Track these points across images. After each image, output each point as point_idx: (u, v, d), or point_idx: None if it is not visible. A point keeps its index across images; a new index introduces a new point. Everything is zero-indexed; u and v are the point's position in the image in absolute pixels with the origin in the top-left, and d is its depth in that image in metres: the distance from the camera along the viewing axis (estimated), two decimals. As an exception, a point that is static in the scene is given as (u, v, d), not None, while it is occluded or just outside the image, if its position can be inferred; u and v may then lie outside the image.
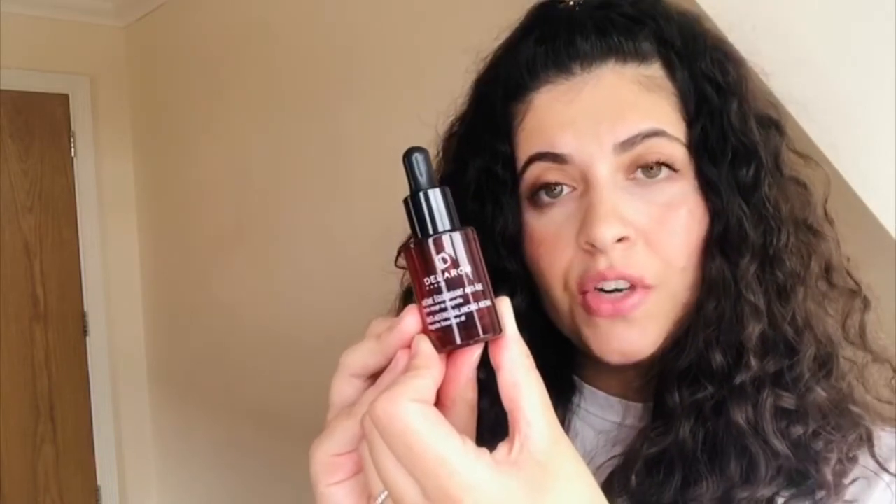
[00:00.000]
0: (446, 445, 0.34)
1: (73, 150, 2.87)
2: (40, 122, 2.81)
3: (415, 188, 0.39)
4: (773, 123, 0.53)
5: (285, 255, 2.20)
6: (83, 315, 2.90)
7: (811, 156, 0.57)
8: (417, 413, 0.34)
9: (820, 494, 0.47)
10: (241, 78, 2.31)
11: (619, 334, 0.50)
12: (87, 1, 2.80)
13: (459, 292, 0.37)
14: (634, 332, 0.50)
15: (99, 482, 2.92)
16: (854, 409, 0.50)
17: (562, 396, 0.58)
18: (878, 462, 0.48)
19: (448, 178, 0.58)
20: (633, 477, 0.49)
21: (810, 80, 0.63)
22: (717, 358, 0.49)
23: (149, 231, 2.98)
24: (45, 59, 2.76)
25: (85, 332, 2.90)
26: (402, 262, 0.58)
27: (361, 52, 1.83)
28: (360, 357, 0.40)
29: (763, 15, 0.60)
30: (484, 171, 0.55)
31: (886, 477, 0.48)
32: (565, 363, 0.59)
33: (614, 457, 0.52)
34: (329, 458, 0.40)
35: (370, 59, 1.81)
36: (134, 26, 2.92)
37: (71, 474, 2.86)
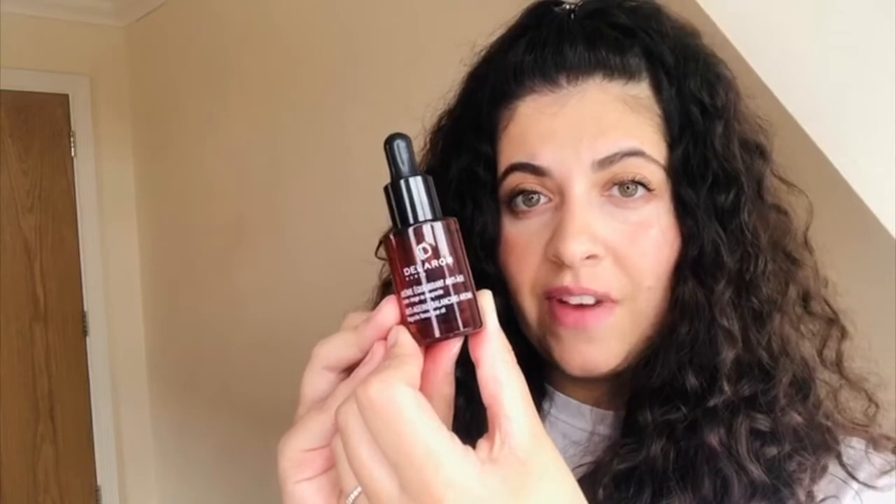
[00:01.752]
0: (437, 438, 0.33)
1: (73, 150, 2.87)
2: (40, 122, 2.81)
3: (396, 176, 0.38)
4: (759, 149, 0.53)
5: (285, 254, 2.20)
6: (83, 315, 2.90)
7: (802, 146, 0.56)
8: (412, 399, 0.33)
9: None
10: (242, 78, 2.31)
11: (581, 349, 0.50)
12: (87, 1, 2.81)
13: (440, 283, 0.36)
14: (595, 348, 0.50)
15: (99, 482, 2.92)
16: (827, 423, 0.50)
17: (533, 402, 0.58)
18: (846, 471, 0.48)
19: (431, 172, 0.58)
20: (601, 490, 0.49)
21: (810, 80, 0.63)
22: (691, 380, 0.48)
23: (149, 231, 2.98)
24: (45, 59, 2.76)
25: (85, 332, 2.90)
26: (382, 252, 0.58)
27: (362, 52, 1.83)
28: (335, 349, 0.39)
29: (762, 16, 0.60)
30: (466, 170, 0.55)
31: (855, 485, 0.48)
32: (537, 370, 0.58)
33: (583, 465, 0.52)
34: (299, 453, 0.39)
35: (370, 58, 1.81)
36: (134, 26, 2.92)
37: (71, 474, 2.87)
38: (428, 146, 0.60)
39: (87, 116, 2.89)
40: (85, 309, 2.90)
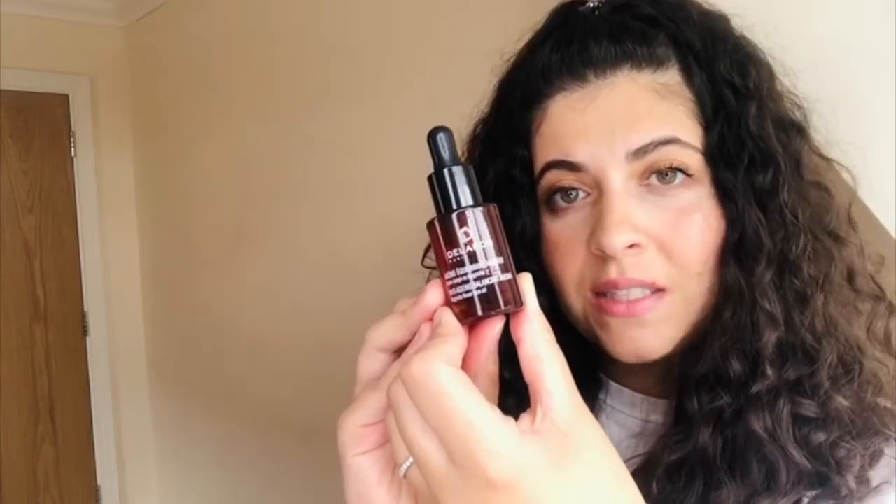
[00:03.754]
0: (477, 410, 0.34)
1: (73, 150, 2.87)
2: (40, 122, 2.80)
3: (439, 165, 0.40)
4: (795, 126, 0.53)
5: (285, 255, 2.20)
6: (83, 315, 2.90)
7: (836, 159, 0.56)
8: (450, 375, 0.34)
9: (845, 492, 0.46)
10: (241, 78, 2.31)
11: (631, 335, 0.51)
12: (87, 1, 2.80)
13: (481, 265, 0.38)
14: (647, 333, 0.50)
15: (99, 482, 2.92)
16: (886, 404, 0.49)
17: (589, 394, 0.57)
18: None
19: None
20: (655, 483, 0.49)
21: (809, 80, 0.63)
22: (735, 366, 0.49)
23: (149, 231, 2.98)
24: (45, 59, 2.76)
25: (85, 332, 2.90)
26: (429, 262, 0.59)
27: (362, 52, 1.83)
28: (385, 332, 0.41)
29: (758, 15, 0.59)
30: (503, 174, 0.56)
31: None
32: (591, 362, 0.59)
33: (636, 457, 0.52)
34: (356, 428, 0.41)
35: (370, 59, 1.81)
36: (134, 26, 2.92)
37: (71, 474, 2.86)
38: (465, 155, 0.61)
39: (87, 116, 2.89)
40: (85, 309, 2.90)
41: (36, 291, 2.80)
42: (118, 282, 2.97)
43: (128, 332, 2.99)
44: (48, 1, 2.70)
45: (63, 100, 2.85)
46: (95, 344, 2.91)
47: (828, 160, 0.55)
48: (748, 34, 0.55)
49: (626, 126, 0.50)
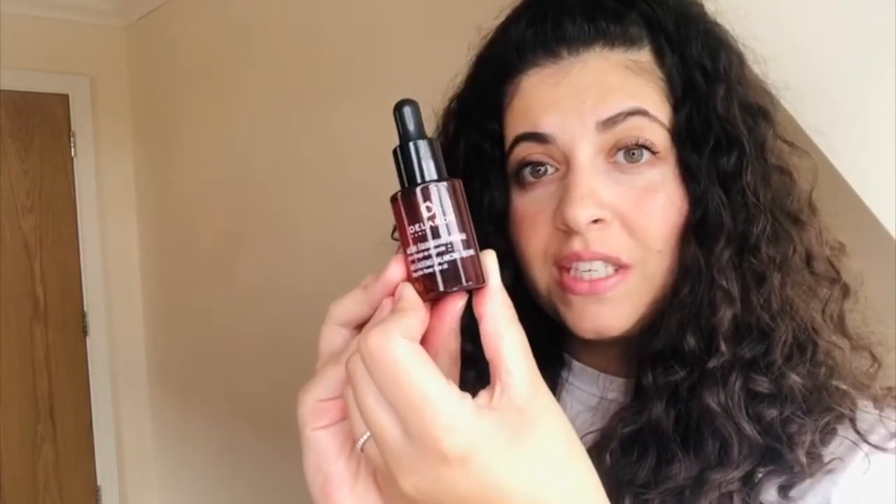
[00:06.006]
0: (432, 384, 0.34)
1: (73, 150, 2.87)
2: (40, 122, 2.81)
3: (404, 139, 0.39)
4: (762, 111, 0.53)
5: (285, 254, 2.20)
6: (83, 315, 2.90)
7: (800, 144, 0.56)
8: (407, 348, 0.34)
9: (797, 468, 0.47)
10: (242, 78, 2.32)
11: (592, 312, 0.51)
12: (87, 1, 2.81)
13: (444, 240, 0.37)
14: (607, 310, 0.51)
15: (99, 482, 2.93)
16: (840, 385, 0.50)
17: (551, 371, 0.58)
18: (859, 434, 0.48)
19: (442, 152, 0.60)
20: (608, 456, 0.50)
21: (805, 69, 0.63)
22: (690, 341, 0.49)
23: (149, 231, 2.98)
24: (45, 59, 2.77)
25: (85, 332, 2.90)
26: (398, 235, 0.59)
27: (361, 51, 1.83)
28: (347, 306, 0.41)
29: (763, 15, 0.60)
30: (474, 148, 0.57)
31: (866, 447, 0.48)
32: (555, 340, 0.60)
33: (592, 432, 0.53)
34: (316, 403, 0.41)
35: (370, 57, 1.81)
36: (134, 26, 2.92)
37: (71, 474, 2.87)
38: (439, 129, 0.62)
39: (87, 116, 2.89)
40: (85, 309, 2.90)
41: (36, 291, 2.80)
42: (118, 282, 2.97)
43: (128, 332, 2.99)
44: (48, 1, 2.70)
45: (63, 100, 2.85)
46: (95, 344, 2.92)
47: (793, 146, 0.56)
48: (720, 20, 0.56)
49: (595, 97, 0.50)
